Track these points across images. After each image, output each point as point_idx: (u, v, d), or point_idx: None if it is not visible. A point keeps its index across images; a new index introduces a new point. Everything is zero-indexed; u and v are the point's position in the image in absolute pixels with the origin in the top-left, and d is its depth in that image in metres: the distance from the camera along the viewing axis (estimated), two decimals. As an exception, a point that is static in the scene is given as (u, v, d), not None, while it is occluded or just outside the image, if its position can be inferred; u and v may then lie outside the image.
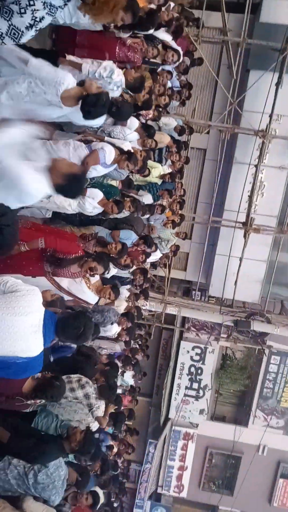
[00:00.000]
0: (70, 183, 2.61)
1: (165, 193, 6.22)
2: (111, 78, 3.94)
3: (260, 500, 12.14)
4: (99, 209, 4.46)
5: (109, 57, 4.20)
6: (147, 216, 5.82)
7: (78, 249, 3.79)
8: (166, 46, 5.48)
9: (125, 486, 10.07)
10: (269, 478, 12.05)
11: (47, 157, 3.48)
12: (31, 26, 2.39)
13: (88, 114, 3.04)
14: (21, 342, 2.17)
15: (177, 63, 5.75)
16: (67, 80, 2.90)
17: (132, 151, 4.67)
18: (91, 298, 4.17)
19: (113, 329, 5.26)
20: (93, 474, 4.88)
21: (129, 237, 5.10)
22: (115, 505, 7.65)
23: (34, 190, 2.54)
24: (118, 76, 4.08)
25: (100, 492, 5.75)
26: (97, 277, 4.33)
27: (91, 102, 2.97)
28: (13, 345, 2.15)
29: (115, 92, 4.00)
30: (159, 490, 12.30)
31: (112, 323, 5.02)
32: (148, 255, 5.63)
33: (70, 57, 3.94)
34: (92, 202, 4.31)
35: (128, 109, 3.93)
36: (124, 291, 5.75)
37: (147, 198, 5.83)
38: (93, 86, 3.01)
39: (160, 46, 5.35)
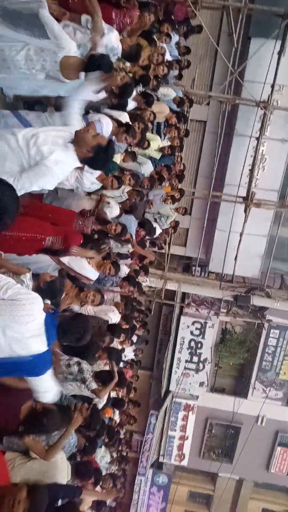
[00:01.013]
0: (98, 154, 2.55)
1: (164, 169, 6.11)
2: (109, 35, 3.79)
3: (259, 467, 12.57)
4: (97, 185, 4.38)
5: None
6: (146, 191, 5.74)
7: (79, 238, 3.75)
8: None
9: (128, 455, 10.39)
10: (267, 446, 12.43)
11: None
12: None
13: (98, 67, 2.98)
14: (22, 347, 2.19)
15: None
16: (69, 45, 2.82)
17: (130, 123, 4.57)
18: (91, 273, 4.17)
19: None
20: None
21: (128, 226, 5.05)
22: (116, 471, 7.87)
23: (62, 174, 2.54)
24: (116, 40, 3.94)
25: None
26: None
27: (97, 57, 2.94)
28: (14, 349, 2.16)
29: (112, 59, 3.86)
30: (160, 459, 12.71)
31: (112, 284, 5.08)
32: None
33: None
34: (90, 177, 4.23)
35: (131, 85, 3.80)
36: (124, 267, 5.73)
37: (147, 167, 5.71)
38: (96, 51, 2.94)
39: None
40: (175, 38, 6.06)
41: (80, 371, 3.76)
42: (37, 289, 3.07)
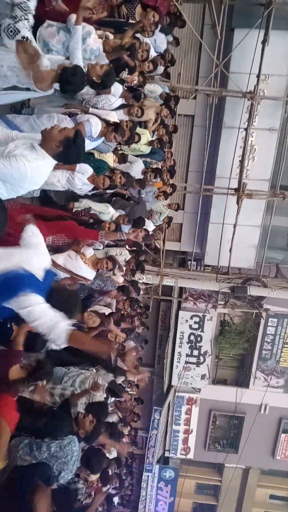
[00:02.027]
0: (68, 147, 2.54)
1: (152, 174, 6.07)
2: (87, 41, 3.76)
3: (264, 455, 12.69)
4: (89, 186, 4.36)
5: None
6: (137, 189, 5.72)
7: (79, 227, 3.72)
8: (145, 6, 5.22)
9: (134, 452, 10.45)
10: (272, 434, 12.54)
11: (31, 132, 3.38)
12: None
13: (68, 84, 2.94)
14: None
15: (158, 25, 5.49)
16: (42, 60, 2.79)
17: (118, 121, 4.54)
18: (88, 273, 4.15)
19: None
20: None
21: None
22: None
23: (40, 174, 2.52)
24: (95, 42, 3.90)
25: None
26: (91, 251, 4.30)
27: (70, 72, 2.89)
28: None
29: (92, 62, 3.82)
30: (166, 454, 12.77)
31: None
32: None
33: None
34: (81, 178, 4.21)
35: (111, 75, 3.75)
36: (124, 251, 5.70)
37: (138, 165, 5.68)
38: (65, 62, 2.91)
39: (139, 7, 5.10)
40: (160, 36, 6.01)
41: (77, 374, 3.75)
42: None
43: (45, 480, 2.67)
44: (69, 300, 2.50)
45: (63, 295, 2.50)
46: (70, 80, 2.91)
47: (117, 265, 4.73)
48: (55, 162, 2.59)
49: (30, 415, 3.24)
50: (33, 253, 2.46)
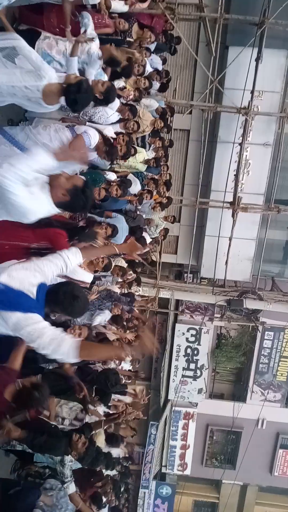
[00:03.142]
0: (75, 197, 2.41)
1: (151, 182, 6.16)
2: (90, 46, 3.86)
3: (262, 471, 12.50)
4: None
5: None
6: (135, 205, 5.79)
7: (63, 237, 3.70)
8: (143, 26, 5.35)
9: (130, 468, 10.25)
10: (269, 449, 12.38)
11: (26, 143, 3.40)
12: None
13: (75, 103, 2.96)
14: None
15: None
16: (50, 74, 2.84)
17: (114, 137, 4.61)
18: (85, 276, 4.12)
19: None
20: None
21: (120, 227, 5.05)
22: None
23: (36, 214, 2.43)
24: (97, 47, 4.00)
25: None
26: None
27: (74, 90, 2.91)
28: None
29: (96, 65, 3.93)
30: (163, 470, 12.56)
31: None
32: (139, 239, 5.62)
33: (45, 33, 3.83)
34: None
35: (112, 91, 3.83)
36: (120, 260, 5.71)
37: (135, 186, 5.75)
38: (71, 77, 2.97)
39: (136, 25, 5.23)
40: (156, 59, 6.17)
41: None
42: None
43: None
44: (72, 298, 2.36)
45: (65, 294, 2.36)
46: (76, 98, 2.93)
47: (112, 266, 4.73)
48: (54, 210, 2.48)
49: (32, 431, 3.28)
50: (25, 274, 2.35)
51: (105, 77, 4.32)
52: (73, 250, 2.55)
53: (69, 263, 2.50)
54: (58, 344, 2.16)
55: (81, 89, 2.93)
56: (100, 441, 4.25)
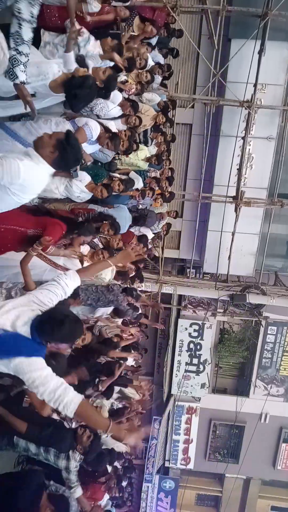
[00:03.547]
0: (63, 149, 2.41)
1: (153, 181, 6.13)
2: (86, 48, 3.82)
3: (265, 464, 12.55)
4: (87, 194, 4.37)
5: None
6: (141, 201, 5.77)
7: (58, 228, 3.68)
8: (144, 19, 5.29)
9: (133, 463, 10.31)
10: (272, 443, 12.42)
11: (29, 138, 3.38)
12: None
13: (74, 97, 2.86)
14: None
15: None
16: (53, 71, 2.80)
17: (116, 132, 4.58)
18: (73, 265, 4.14)
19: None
20: None
21: (122, 221, 5.03)
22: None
23: (36, 180, 2.42)
24: (95, 48, 3.96)
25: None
26: (87, 248, 4.29)
27: (77, 83, 2.82)
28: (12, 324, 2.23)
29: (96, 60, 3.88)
30: (166, 464, 12.64)
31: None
32: (140, 238, 5.60)
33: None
34: (79, 185, 4.23)
35: (113, 79, 3.78)
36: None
37: (138, 183, 5.73)
38: (80, 70, 2.93)
39: (137, 18, 5.17)
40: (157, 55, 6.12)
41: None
42: None
43: (41, 485, 2.69)
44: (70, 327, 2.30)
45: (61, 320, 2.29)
46: (76, 93, 2.86)
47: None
48: (52, 169, 2.50)
49: (38, 424, 3.32)
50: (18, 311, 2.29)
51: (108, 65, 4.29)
52: (70, 275, 2.52)
53: (67, 290, 2.50)
54: (61, 396, 2.14)
55: (85, 84, 2.84)
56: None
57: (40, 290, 2.42)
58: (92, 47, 3.94)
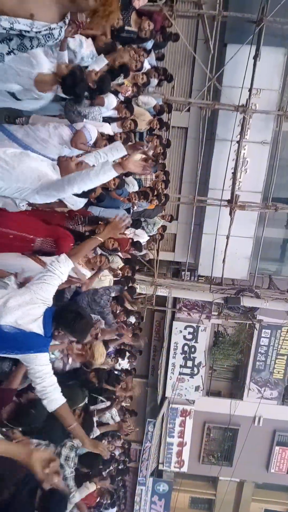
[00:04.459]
0: (69, 77, 2.57)
1: (147, 189, 6.16)
2: (81, 51, 3.83)
3: (258, 467, 12.57)
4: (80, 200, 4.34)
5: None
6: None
7: (70, 239, 3.74)
8: (141, 14, 5.32)
9: (128, 466, 10.28)
10: (266, 446, 12.44)
11: (26, 140, 3.41)
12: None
13: (74, 93, 2.99)
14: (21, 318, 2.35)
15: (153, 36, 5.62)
16: (42, 63, 2.82)
17: (112, 134, 4.60)
18: (83, 274, 4.15)
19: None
20: None
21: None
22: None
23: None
24: (88, 48, 3.98)
25: None
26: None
27: (69, 81, 2.92)
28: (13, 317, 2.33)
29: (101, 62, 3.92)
30: (160, 467, 12.60)
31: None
32: (135, 244, 5.63)
33: None
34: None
35: (106, 80, 3.81)
36: (116, 258, 5.71)
37: (133, 187, 5.76)
38: (62, 67, 2.95)
39: (134, 14, 5.21)
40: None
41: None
42: None
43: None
44: (77, 321, 2.54)
45: (70, 315, 2.53)
46: (74, 89, 2.96)
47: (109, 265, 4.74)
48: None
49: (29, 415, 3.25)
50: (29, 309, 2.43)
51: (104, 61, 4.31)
52: (62, 259, 2.57)
53: (63, 277, 2.57)
54: (50, 393, 2.47)
55: (76, 77, 2.96)
56: (100, 352, 4.15)
57: (40, 285, 2.46)
58: (85, 49, 3.96)
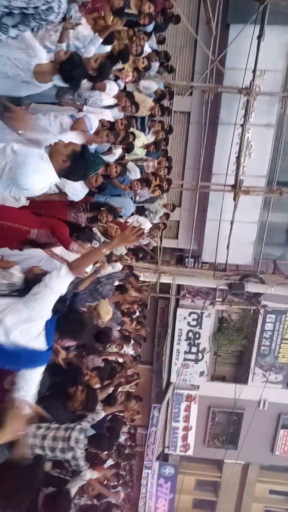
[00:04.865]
0: (75, 162, 2.42)
1: (150, 174, 6.07)
2: (78, 28, 3.75)
3: (263, 450, 12.73)
4: (81, 188, 4.27)
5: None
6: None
7: (65, 229, 3.70)
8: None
9: (134, 449, 10.45)
10: (271, 429, 12.58)
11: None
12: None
13: (72, 79, 2.90)
14: (21, 336, 2.30)
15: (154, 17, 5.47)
16: (40, 54, 2.75)
17: (112, 121, 4.51)
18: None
19: None
20: None
21: (127, 205, 5.01)
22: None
23: (37, 183, 2.43)
24: (85, 29, 3.89)
25: None
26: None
27: (68, 66, 2.83)
28: (10, 336, 2.27)
29: (96, 42, 3.83)
30: (166, 451, 12.81)
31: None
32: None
33: None
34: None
35: (106, 65, 3.73)
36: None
37: (135, 174, 5.67)
38: (60, 53, 2.88)
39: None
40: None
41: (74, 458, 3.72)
42: (26, 281, 3.08)
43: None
44: (79, 326, 2.57)
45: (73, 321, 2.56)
46: (72, 73, 2.86)
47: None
48: (56, 178, 2.50)
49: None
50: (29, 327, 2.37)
51: (106, 49, 4.22)
52: (63, 274, 2.45)
53: (62, 292, 2.49)
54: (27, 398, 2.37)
55: (74, 62, 2.86)
56: (106, 310, 4.14)
57: (38, 302, 2.36)
58: (83, 28, 3.87)
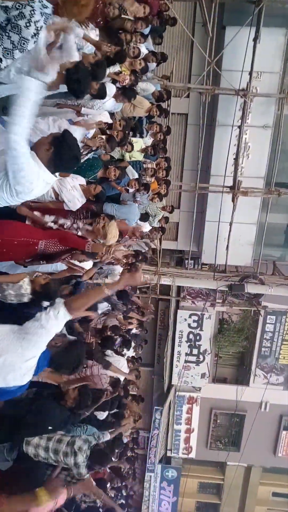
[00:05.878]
0: (59, 146, 2.36)
1: (149, 170, 6.11)
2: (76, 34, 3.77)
3: (266, 452, 12.69)
4: (78, 193, 4.24)
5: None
6: (132, 191, 5.73)
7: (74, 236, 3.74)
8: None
9: (136, 452, 10.42)
10: (273, 431, 12.54)
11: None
12: (34, 35, 2.57)
13: (79, 89, 2.93)
14: (13, 380, 2.32)
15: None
16: (52, 72, 2.77)
17: (111, 122, 4.54)
18: (86, 264, 4.15)
19: None
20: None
21: (132, 216, 5.05)
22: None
23: (31, 182, 2.39)
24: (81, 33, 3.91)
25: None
26: (90, 262, 4.28)
27: (74, 76, 2.87)
28: (5, 380, 2.30)
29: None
30: (168, 454, 12.76)
31: None
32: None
33: None
34: (70, 181, 4.18)
35: (103, 66, 3.74)
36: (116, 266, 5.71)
37: (133, 177, 5.70)
38: (66, 64, 2.90)
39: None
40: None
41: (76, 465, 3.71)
42: (33, 292, 3.09)
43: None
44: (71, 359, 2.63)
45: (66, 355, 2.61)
46: (79, 84, 2.89)
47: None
48: (53, 178, 2.46)
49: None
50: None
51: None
52: (61, 316, 2.35)
53: (58, 331, 2.43)
54: None
55: (80, 72, 2.88)
56: (113, 233, 3.93)
57: (33, 342, 2.30)
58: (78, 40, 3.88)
